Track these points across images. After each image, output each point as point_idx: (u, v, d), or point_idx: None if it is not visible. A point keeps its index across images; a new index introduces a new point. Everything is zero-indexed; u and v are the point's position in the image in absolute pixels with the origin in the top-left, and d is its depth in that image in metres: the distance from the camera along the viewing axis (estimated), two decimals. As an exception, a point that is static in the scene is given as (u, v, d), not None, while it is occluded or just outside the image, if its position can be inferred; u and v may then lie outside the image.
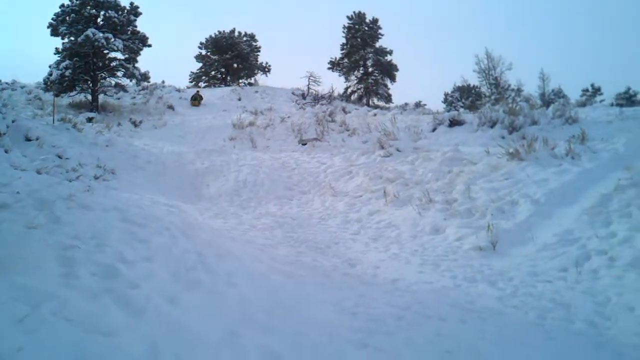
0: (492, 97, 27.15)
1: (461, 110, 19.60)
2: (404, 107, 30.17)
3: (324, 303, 5.39)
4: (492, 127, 13.74)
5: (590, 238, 6.82)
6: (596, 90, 37.09)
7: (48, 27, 25.72)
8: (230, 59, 46.62)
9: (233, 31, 47.94)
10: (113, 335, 3.44)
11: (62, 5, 25.64)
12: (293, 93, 33.91)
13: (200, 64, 48.29)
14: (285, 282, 5.96)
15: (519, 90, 30.60)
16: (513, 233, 7.61)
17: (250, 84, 43.44)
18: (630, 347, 4.40)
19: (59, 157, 12.48)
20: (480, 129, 13.97)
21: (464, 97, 40.08)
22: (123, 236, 5.63)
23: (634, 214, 7.13)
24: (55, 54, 25.69)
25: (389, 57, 41.20)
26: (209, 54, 47.82)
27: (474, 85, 40.16)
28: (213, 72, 48.39)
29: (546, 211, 8.00)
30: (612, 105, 20.77)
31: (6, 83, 32.19)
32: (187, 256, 5.68)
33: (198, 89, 30.86)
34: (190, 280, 5.03)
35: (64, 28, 25.34)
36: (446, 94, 42.75)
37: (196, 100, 30.26)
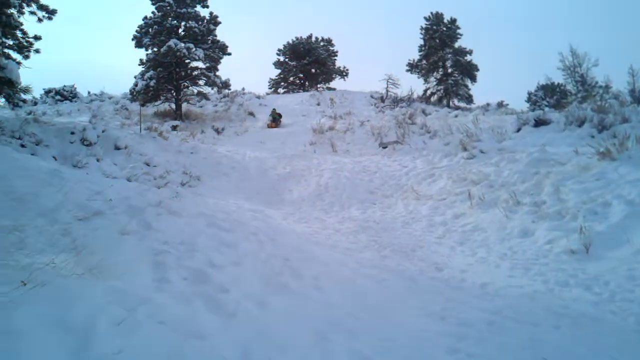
0: (579, 95, 26.26)
1: (546, 109, 19.04)
2: (485, 108, 29.54)
3: (411, 307, 5.32)
4: (580, 126, 13.26)
5: (693, 240, 6.46)
6: (691, 85, 35.22)
7: (132, 39, 26.67)
8: (308, 64, 47.10)
9: (310, 37, 48.42)
10: (206, 338, 3.51)
11: (145, 18, 26.52)
12: (372, 96, 33.75)
13: (279, 71, 48.92)
14: (371, 286, 5.92)
15: (607, 87, 29.41)
16: (607, 235, 7.26)
17: (328, 89, 43.64)
18: None
19: (147, 164, 12.91)
20: (567, 128, 13.51)
21: (549, 95, 38.92)
22: (211, 241, 5.74)
23: None
24: (139, 65, 26.68)
25: (468, 57, 40.34)
26: (287, 60, 48.43)
27: (558, 84, 38.97)
28: (291, 78, 48.99)
29: (642, 212, 7.62)
30: None
31: (95, 94, 33.69)
32: (273, 261, 5.74)
33: (275, 108, 26.85)
34: (278, 284, 5.08)
35: (148, 39, 26.18)
36: (530, 93, 41.62)
37: (274, 121, 24.92)
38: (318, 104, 30.70)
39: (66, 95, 32.61)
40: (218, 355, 3.37)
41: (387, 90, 33.83)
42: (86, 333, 2.97)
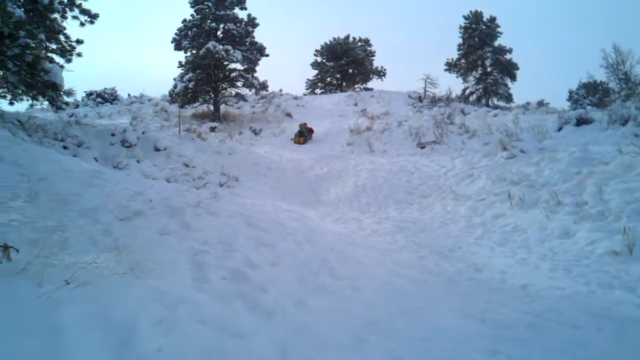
0: (622, 93, 25.61)
1: (588, 108, 18.67)
2: (525, 107, 29.11)
3: (449, 308, 5.27)
4: (623, 124, 12.98)
5: None
6: None
7: (172, 42, 26.96)
8: (345, 64, 47.00)
9: (347, 37, 48.34)
10: (244, 337, 3.54)
11: (184, 20, 26.76)
12: (409, 96, 33.50)
13: (317, 71, 48.91)
14: (408, 287, 5.89)
15: (652, 85, 28.64)
16: (652, 236, 7.10)
17: (366, 89, 43.51)
18: None
19: (186, 165, 13.06)
20: (610, 127, 13.23)
21: (591, 94, 38.15)
22: (249, 241, 5.79)
23: None
24: (178, 67, 26.94)
25: (508, 56, 39.73)
26: (324, 60, 48.37)
27: (601, 82, 38.15)
28: (329, 79, 48.92)
29: (689, 213, 7.41)
30: None
31: (135, 97, 34.19)
32: (311, 261, 5.75)
33: (305, 122, 22.99)
34: (316, 284, 5.09)
35: (187, 42, 26.39)
36: (571, 92, 40.86)
37: (302, 135, 21.44)
38: (355, 104, 30.61)
39: (107, 97, 33.13)
40: (256, 354, 3.40)
41: (425, 90, 33.61)
42: (127, 331, 3.03)
